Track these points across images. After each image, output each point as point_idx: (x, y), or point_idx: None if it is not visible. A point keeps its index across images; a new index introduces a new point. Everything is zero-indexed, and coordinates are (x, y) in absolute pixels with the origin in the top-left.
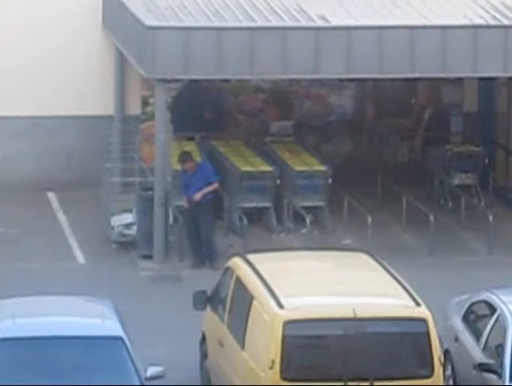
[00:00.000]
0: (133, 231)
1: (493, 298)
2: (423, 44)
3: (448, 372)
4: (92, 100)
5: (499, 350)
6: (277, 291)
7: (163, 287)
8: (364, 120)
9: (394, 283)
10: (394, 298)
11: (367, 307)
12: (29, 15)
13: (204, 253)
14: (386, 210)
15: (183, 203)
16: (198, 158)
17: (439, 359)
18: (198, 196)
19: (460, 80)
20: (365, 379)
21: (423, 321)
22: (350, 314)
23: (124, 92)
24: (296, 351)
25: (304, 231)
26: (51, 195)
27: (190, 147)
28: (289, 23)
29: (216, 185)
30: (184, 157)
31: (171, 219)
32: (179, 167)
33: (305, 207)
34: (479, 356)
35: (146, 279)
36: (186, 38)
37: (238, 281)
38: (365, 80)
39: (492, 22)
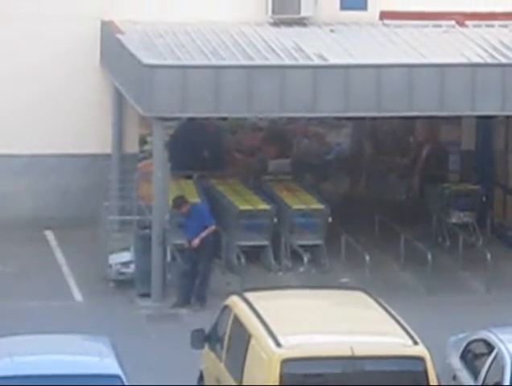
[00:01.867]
0: (131, 269)
1: (491, 337)
2: (420, 83)
3: None
4: (90, 138)
5: None
6: (274, 329)
7: (160, 325)
8: (362, 158)
9: (392, 321)
10: (392, 337)
11: (365, 346)
12: (27, 53)
13: (194, 293)
14: (384, 248)
15: (184, 242)
16: (196, 196)
17: None
18: (196, 243)
19: (458, 118)
20: None
21: (421, 359)
22: (348, 353)
23: (122, 130)
24: None
25: (302, 269)
26: (48, 233)
27: (188, 186)
28: (287, 62)
29: (212, 228)
30: (179, 202)
31: (168, 258)
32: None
33: (303, 246)
34: None
35: (144, 317)
36: (184, 76)
37: (236, 319)
38: (363, 118)
39: (490, 60)
